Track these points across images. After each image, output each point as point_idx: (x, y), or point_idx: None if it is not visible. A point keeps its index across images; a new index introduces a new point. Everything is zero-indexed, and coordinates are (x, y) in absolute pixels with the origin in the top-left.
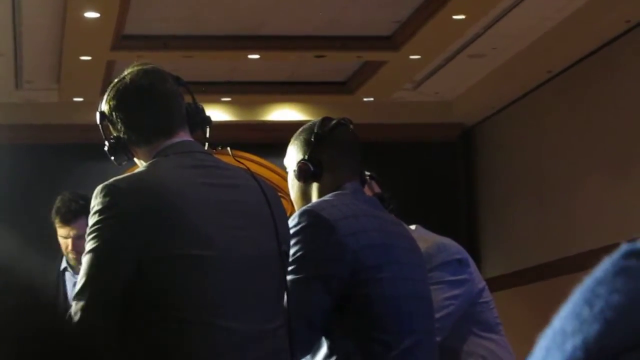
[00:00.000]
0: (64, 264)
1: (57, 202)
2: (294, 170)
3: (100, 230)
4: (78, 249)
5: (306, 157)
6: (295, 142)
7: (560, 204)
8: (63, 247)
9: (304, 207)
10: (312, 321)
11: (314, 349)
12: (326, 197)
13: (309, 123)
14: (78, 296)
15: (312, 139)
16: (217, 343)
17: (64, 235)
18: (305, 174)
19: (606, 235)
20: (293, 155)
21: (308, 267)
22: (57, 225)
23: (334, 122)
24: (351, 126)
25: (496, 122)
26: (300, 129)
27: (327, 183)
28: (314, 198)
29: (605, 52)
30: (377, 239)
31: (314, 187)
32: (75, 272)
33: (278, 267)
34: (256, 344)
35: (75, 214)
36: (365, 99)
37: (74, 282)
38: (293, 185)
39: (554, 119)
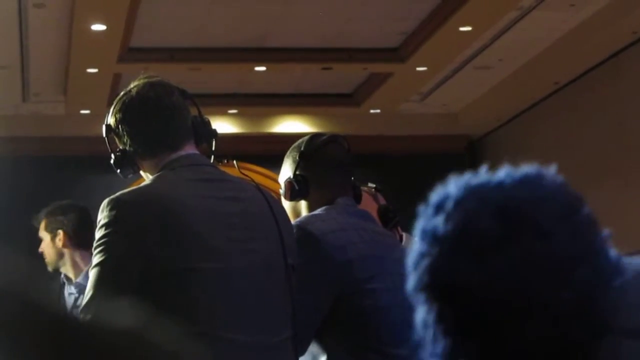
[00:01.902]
0: (62, 278)
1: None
2: (281, 189)
3: (107, 244)
4: (41, 251)
5: (291, 175)
6: (286, 160)
7: None
8: None
9: (293, 222)
10: (301, 335)
11: None
12: (315, 212)
13: (300, 140)
14: (85, 310)
15: (298, 157)
16: (224, 356)
17: None
18: (291, 192)
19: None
20: (283, 174)
21: (297, 281)
22: None
23: (322, 138)
24: (343, 142)
25: (503, 134)
26: (292, 147)
27: (315, 199)
28: (304, 213)
29: (612, 64)
30: (366, 251)
31: (303, 204)
32: (69, 282)
33: (284, 280)
34: (263, 356)
35: (40, 218)
36: (371, 111)
37: (69, 293)
38: (284, 203)
39: (561, 131)
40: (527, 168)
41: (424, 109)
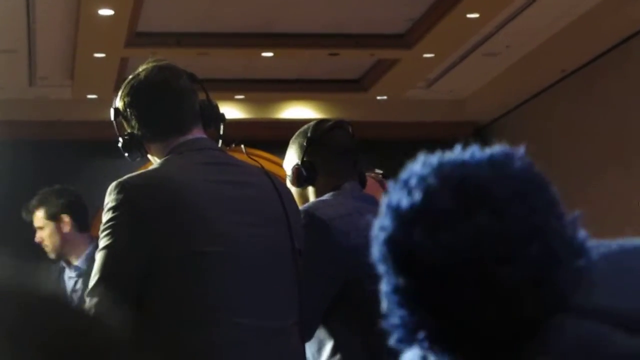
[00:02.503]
0: (62, 262)
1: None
2: (288, 176)
3: (114, 228)
4: (40, 240)
5: (299, 161)
6: (292, 145)
7: (573, 201)
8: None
9: (300, 208)
10: (308, 320)
11: (318, 346)
12: (323, 197)
13: (305, 126)
14: (91, 293)
15: (305, 144)
16: (230, 339)
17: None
18: (299, 178)
19: (620, 228)
20: (289, 160)
21: (304, 266)
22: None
23: (328, 124)
24: (348, 127)
25: (509, 121)
26: (297, 133)
27: (323, 185)
28: (311, 199)
29: (620, 51)
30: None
31: (310, 189)
32: (68, 266)
33: (292, 264)
34: (269, 340)
35: (28, 210)
36: (378, 97)
37: (69, 277)
38: (290, 189)
39: (568, 118)
40: (495, 148)
41: (431, 95)
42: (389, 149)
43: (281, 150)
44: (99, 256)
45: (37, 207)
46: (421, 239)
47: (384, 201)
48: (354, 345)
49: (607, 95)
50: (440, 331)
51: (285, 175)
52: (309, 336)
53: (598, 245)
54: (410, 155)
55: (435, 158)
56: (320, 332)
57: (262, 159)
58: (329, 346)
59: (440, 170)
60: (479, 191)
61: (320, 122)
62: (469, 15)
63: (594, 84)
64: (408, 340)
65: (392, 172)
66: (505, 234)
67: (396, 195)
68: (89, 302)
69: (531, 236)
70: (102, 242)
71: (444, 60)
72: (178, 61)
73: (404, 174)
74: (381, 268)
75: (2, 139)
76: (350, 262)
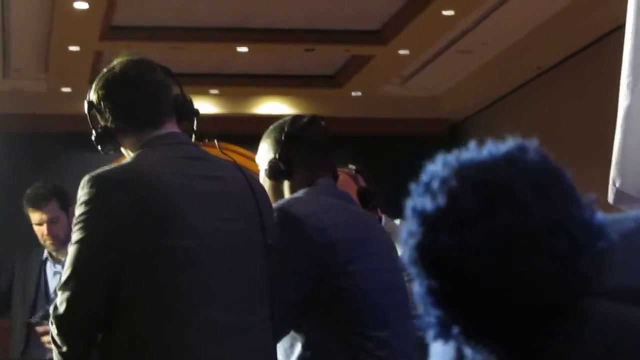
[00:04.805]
0: (45, 254)
1: (27, 191)
2: (265, 169)
3: (87, 222)
4: (54, 233)
5: (277, 155)
6: (267, 140)
7: None
8: (39, 235)
9: (275, 204)
10: (281, 316)
11: (291, 342)
12: (297, 194)
13: (280, 121)
14: (64, 287)
15: (283, 138)
16: (201, 333)
17: (37, 221)
18: (276, 172)
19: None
20: (264, 154)
21: (277, 262)
22: (30, 212)
23: (305, 119)
24: (322, 123)
25: (484, 118)
26: (272, 127)
27: (298, 180)
28: (286, 195)
29: (595, 49)
30: (348, 233)
31: (286, 184)
32: (55, 260)
33: (264, 260)
34: (241, 335)
35: (44, 197)
36: (353, 93)
37: (54, 272)
38: (264, 183)
39: (543, 115)
40: (510, 143)
41: (406, 91)
42: (364, 144)
43: (256, 145)
44: (71, 250)
45: (52, 197)
46: (449, 241)
47: (408, 205)
48: (327, 342)
49: (582, 93)
50: (474, 325)
51: (258, 170)
52: (283, 332)
53: (613, 221)
54: (385, 150)
55: (453, 158)
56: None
57: (237, 153)
58: (300, 342)
59: (461, 171)
60: (500, 189)
61: (297, 117)
62: (444, 12)
63: (569, 82)
64: (444, 336)
65: (365, 167)
66: (530, 229)
67: (420, 200)
68: (61, 296)
69: (555, 228)
70: (75, 235)
71: (419, 56)
72: (153, 55)
73: (424, 176)
74: (412, 271)
75: None
76: (325, 259)
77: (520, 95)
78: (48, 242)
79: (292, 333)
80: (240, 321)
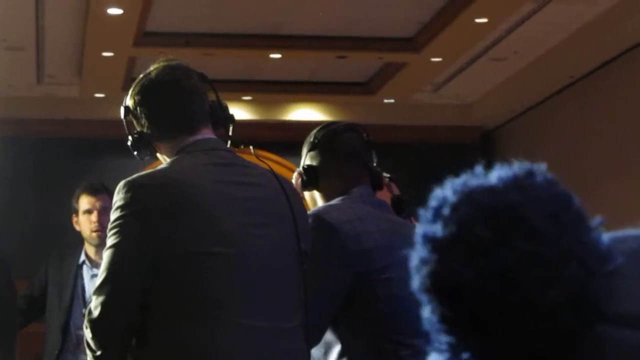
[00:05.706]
0: (82, 258)
1: (80, 184)
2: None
3: (122, 226)
4: (103, 223)
5: (302, 167)
6: (302, 149)
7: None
8: (86, 225)
9: (310, 211)
10: (314, 323)
11: (325, 349)
12: (333, 202)
13: (317, 128)
14: (98, 291)
15: (309, 148)
16: (235, 340)
17: (89, 207)
18: (300, 183)
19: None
20: (301, 163)
21: (311, 269)
22: (83, 199)
23: (332, 127)
24: (362, 131)
25: (516, 126)
26: (309, 135)
27: (328, 189)
28: (319, 203)
29: (627, 57)
30: (382, 241)
31: (317, 193)
32: (93, 264)
33: (297, 266)
34: (275, 341)
35: (101, 186)
36: (385, 100)
37: (92, 275)
38: (300, 191)
39: (575, 124)
40: (517, 168)
41: (438, 99)
42: (396, 152)
43: (288, 152)
44: (106, 255)
45: (104, 190)
46: (463, 270)
47: (418, 231)
48: (362, 349)
49: (615, 102)
50: (486, 352)
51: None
52: (317, 339)
53: (614, 240)
54: (417, 158)
55: (462, 183)
56: (328, 336)
57: (269, 160)
58: (336, 350)
59: (471, 197)
60: (510, 216)
61: (326, 126)
62: (477, 20)
63: (602, 90)
64: None
65: (398, 175)
66: (542, 257)
67: (430, 226)
68: (95, 301)
69: (566, 255)
70: (110, 240)
71: (451, 64)
72: (186, 61)
73: (433, 202)
74: (423, 298)
75: (7, 135)
76: (359, 266)
77: (552, 103)
78: (94, 233)
79: (326, 340)
80: (274, 327)
